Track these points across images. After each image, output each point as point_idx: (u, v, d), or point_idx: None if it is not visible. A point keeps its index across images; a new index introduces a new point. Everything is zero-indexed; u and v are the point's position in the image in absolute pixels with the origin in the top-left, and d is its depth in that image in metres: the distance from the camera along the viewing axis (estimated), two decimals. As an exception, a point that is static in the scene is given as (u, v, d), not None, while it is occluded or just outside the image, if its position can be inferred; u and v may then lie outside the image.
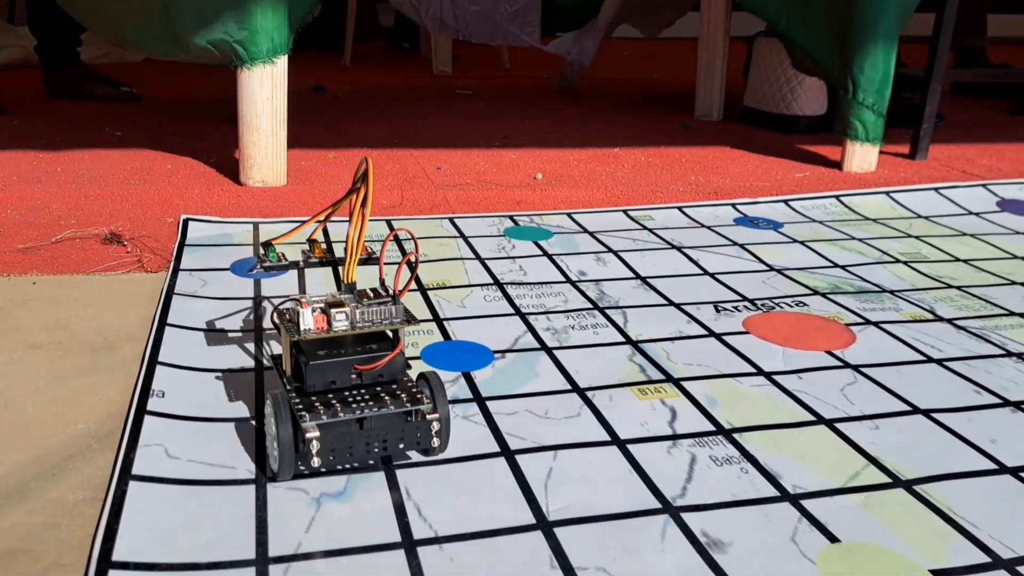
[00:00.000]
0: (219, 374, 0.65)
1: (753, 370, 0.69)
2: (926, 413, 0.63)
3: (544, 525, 0.49)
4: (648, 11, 1.99)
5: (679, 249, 0.99)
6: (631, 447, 0.58)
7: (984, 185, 1.23)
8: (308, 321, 0.53)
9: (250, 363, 0.67)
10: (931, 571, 0.46)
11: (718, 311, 0.82)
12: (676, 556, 0.47)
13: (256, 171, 1.18)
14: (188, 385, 0.63)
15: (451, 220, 1.06)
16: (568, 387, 0.66)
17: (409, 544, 0.47)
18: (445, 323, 0.77)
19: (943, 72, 1.44)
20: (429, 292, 0.84)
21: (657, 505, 0.51)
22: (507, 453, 0.56)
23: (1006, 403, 0.65)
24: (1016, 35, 2.25)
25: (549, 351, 0.72)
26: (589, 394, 0.65)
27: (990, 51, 2.34)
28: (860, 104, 1.30)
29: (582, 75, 2.07)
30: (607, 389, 0.66)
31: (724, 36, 1.78)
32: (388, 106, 1.90)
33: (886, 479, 0.55)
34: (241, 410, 0.60)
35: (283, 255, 0.60)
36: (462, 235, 1.01)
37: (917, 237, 1.05)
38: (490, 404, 0.63)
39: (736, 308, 0.83)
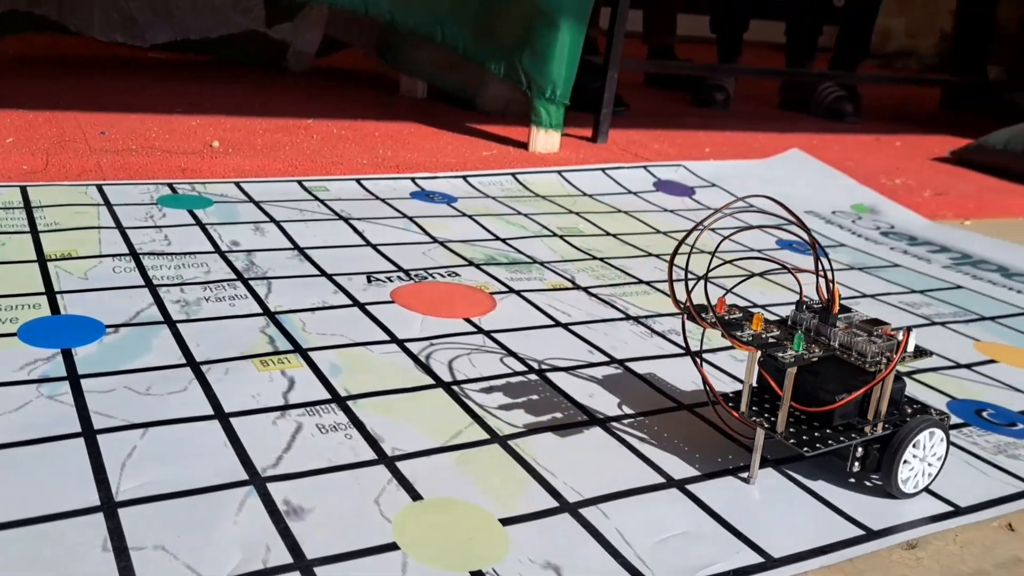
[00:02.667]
0: None
1: (387, 338, 0.70)
2: (540, 373, 0.67)
3: (108, 506, 0.45)
4: (365, 33, 1.92)
5: (347, 220, 0.98)
6: (234, 420, 0.55)
7: (645, 167, 1.34)
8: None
9: None
10: (501, 519, 0.48)
11: (370, 281, 0.81)
12: (247, 527, 0.45)
13: None
14: None
15: (98, 187, 0.97)
16: (182, 361, 0.62)
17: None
18: (57, 296, 0.69)
19: (619, 62, 1.54)
20: (49, 264, 0.76)
21: (244, 477, 0.49)
22: (88, 433, 0.52)
23: (612, 361, 0.70)
24: (702, 35, 2.47)
25: (173, 324, 0.67)
26: (204, 368, 0.61)
27: (679, 48, 2.56)
28: (540, 96, 1.36)
29: (307, 65, 1.97)
30: (226, 362, 0.62)
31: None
32: (65, 67, 1.72)
33: (485, 436, 0.57)
34: None
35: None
36: (107, 203, 0.92)
37: (578, 213, 1.12)
38: (85, 382, 0.57)
39: (389, 279, 0.83)
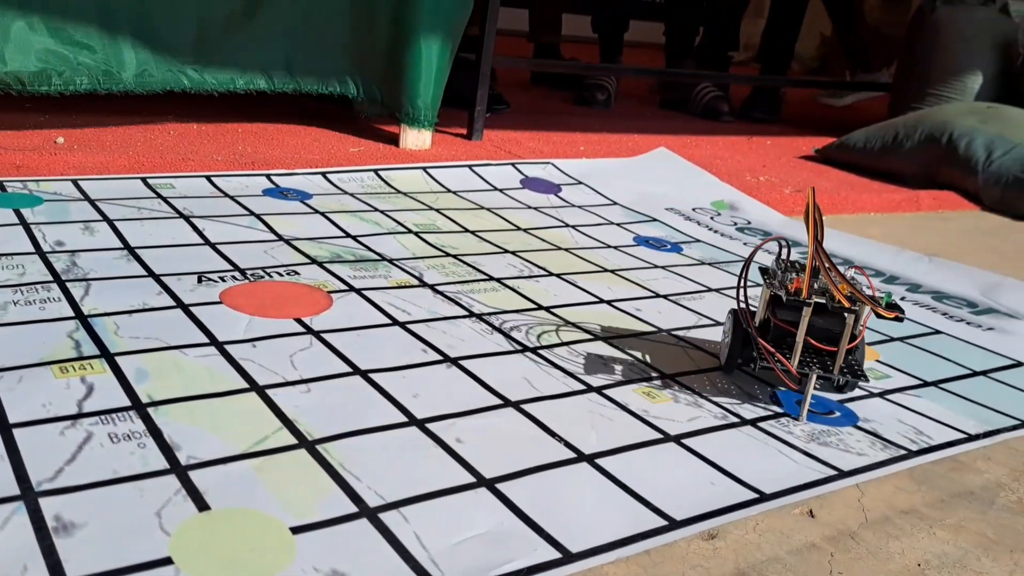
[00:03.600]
0: None
1: (206, 340, 0.67)
2: (363, 374, 0.65)
3: None
4: None
5: (187, 219, 0.94)
6: (17, 431, 0.52)
7: (513, 164, 1.34)
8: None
9: None
10: (292, 527, 0.47)
11: (200, 281, 0.78)
12: (6, 546, 0.42)
13: None
14: None
15: (-87, 185, 0.90)
16: (-31, 370, 0.58)
17: None
18: None
19: (491, 59, 1.54)
20: None
21: (15, 492, 0.46)
22: None
23: (445, 359, 0.69)
24: (589, 35, 2.50)
25: (-31, 330, 0.63)
26: (-6, 375, 0.57)
27: (565, 48, 2.58)
28: (406, 119, 1.34)
29: None
30: (21, 369, 0.59)
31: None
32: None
33: (293, 441, 0.55)
34: None
35: None
36: (-80, 202, 0.86)
37: (438, 210, 1.11)
38: None
39: (222, 278, 0.80)
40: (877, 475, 0.61)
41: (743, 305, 0.69)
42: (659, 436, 0.61)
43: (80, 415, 0.54)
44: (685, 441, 0.61)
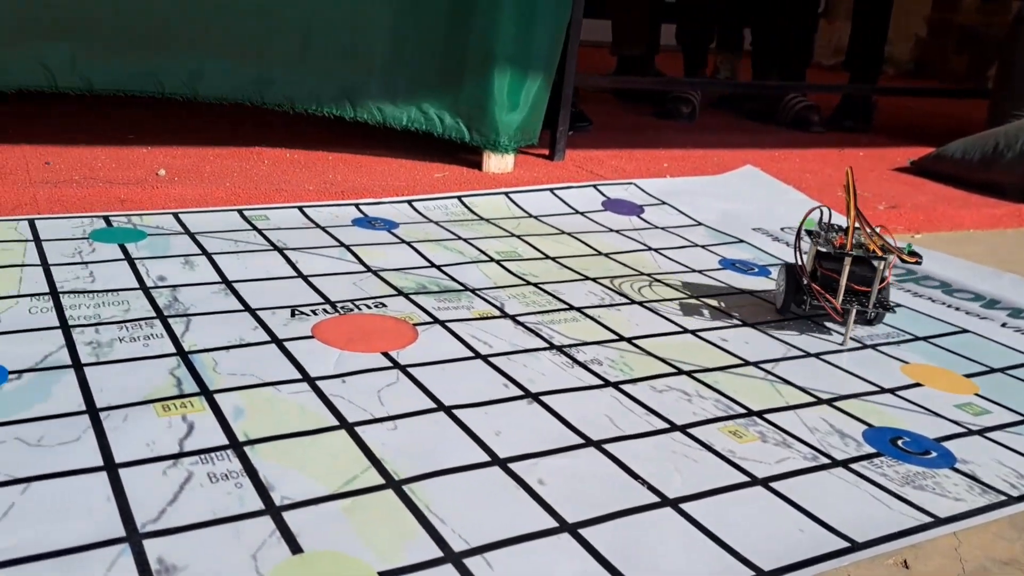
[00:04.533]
0: None
1: (299, 376, 0.69)
2: (447, 410, 0.66)
3: (-27, 570, 0.45)
4: None
5: (281, 251, 0.97)
6: (123, 471, 0.55)
7: (594, 186, 1.34)
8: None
9: None
10: (380, 572, 0.48)
11: (294, 315, 0.81)
12: (114, 589, 0.45)
13: None
14: None
15: (30, 222, 0.96)
16: (81, 408, 0.61)
17: None
18: (-36, 342, 0.69)
19: (573, 80, 1.54)
20: (-37, 306, 0.75)
21: (121, 534, 0.49)
22: (-35, 490, 0.51)
23: (526, 395, 0.70)
24: (668, 42, 2.48)
25: (80, 368, 0.67)
26: (103, 415, 0.61)
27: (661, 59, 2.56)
28: (499, 148, 1.36)
29: None
30: (125, 408, 0.62)
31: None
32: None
33: (381, 481, 0.56)
34: None
35: None
36: (36, 239, 0.92)
37: (519, 236, 1.12)
38: (-25, 434, 0.57)
39: (314, 311, 0.82)
40: (975, 522, 0.58)
41: (799, 262, 0.89)
42: (746, 479, 0.60)
43: (181, 454, 0.57)
44: (773, 484, 0.60)
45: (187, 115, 1.61)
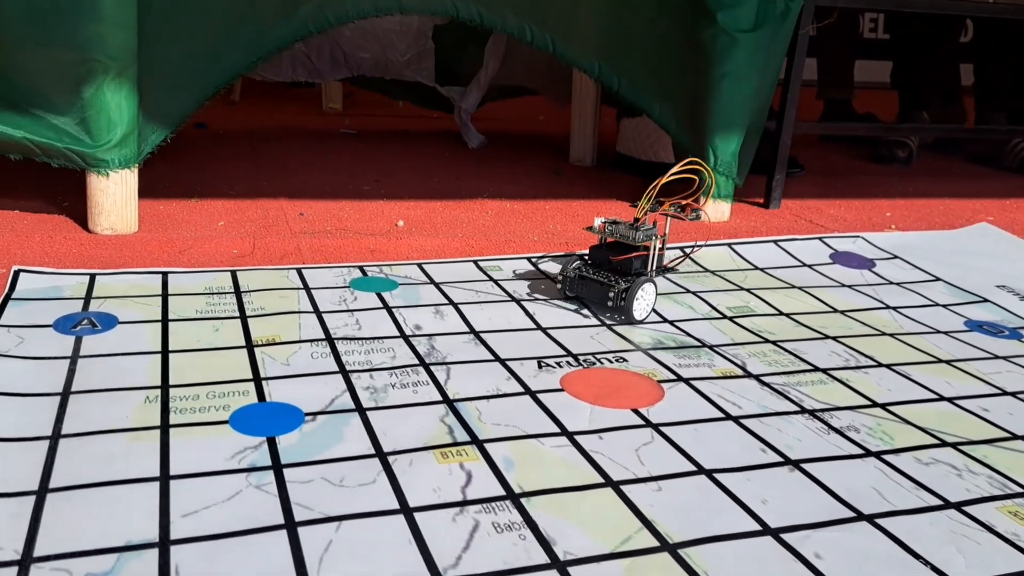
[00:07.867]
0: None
1: (557, 430, 0.72)
2: (708, 473, 0.67)
3: (309, 601, 0.50)
4: (555, 79, 2.01)
5: (518, 302, 1.02)
6: (418, 515, 0.59)
7: (820, 238, 1.30)
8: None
9: (47, 432, 0.66)
10: (671, 637, 0.49)
11: (540, 367, 0.84)
12: (431, 630, 0.48)
13: (104, 218, 1.16)
14: (-26, 456, 0.62)
15: (298, 271, 1.06)
16: (371, 452, 0.67)
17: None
18: (263, 383, 0.77)
19: (792, 126, 1.52)
20: (256, 349, 0.84)
21: (427, 576, 0.53)
22: (289, 525, 0.57)
23: (787, 462, 0.69)
24: (881, 80, 2.38)
25: (363, 412, 0.73)
26: (391, 459, 0.66)
27: (859, 98, 2.47)
28: (713, 169, 1.36)
29: (468, 123, 2.08)
30: (409, 453, 0.67)
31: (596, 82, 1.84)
32: (265, 146, 1.89)
33: (655, 543, 0.58)
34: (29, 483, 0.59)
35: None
36: (306, 287, 1.01)
37: (749, 290, 1.11)
38: (287, 472, 0.63)
39: (559, 364, 0.85)
40: None
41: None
42: (1040, 568, 0.57)
43: (466, 502, 0.61)
44: (1071, 576, 0.56)
45: (408, 161, 1.73)
